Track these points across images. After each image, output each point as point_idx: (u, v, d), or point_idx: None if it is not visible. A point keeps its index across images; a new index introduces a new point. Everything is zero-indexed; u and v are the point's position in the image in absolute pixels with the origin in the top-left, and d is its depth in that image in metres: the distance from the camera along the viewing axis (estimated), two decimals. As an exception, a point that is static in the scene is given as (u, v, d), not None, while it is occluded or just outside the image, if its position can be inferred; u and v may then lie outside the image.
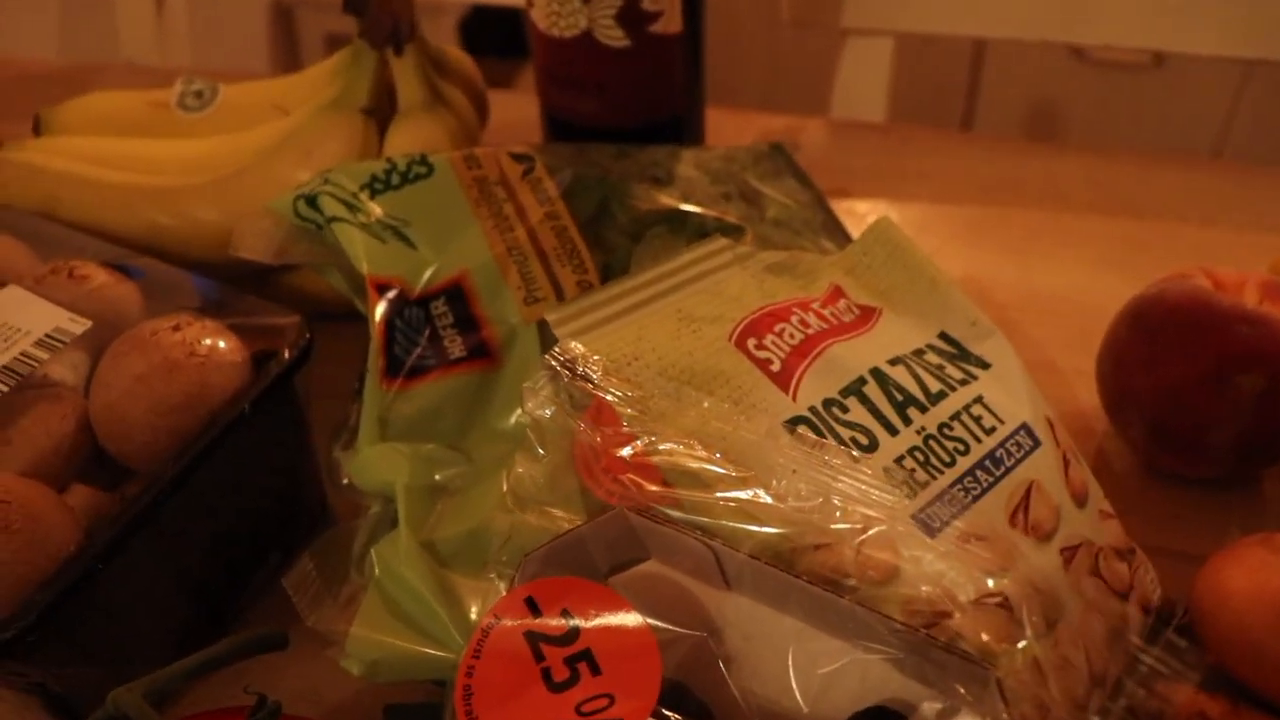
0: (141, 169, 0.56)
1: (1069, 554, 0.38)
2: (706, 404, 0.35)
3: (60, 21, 1.33)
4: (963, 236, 0.61)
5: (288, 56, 1.71)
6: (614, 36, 0.52)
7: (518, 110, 0.65)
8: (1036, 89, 1.64)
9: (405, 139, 0.52)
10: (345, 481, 0.42)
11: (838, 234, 0.51)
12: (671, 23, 0.53)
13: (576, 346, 0.37)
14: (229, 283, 0.47)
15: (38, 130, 0.60)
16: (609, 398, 0.36)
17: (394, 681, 0.37)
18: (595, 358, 0.37)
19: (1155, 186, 0.65)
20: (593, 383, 0.36)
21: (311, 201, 0.47)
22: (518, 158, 0.49)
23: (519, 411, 0.43)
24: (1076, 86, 1.60)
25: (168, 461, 0.40)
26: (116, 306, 0.46)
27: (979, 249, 0.60)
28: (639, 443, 0.35)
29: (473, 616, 0.36)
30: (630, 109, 0.55)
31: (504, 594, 0.34)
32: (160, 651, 0.38)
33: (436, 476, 0.40)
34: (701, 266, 0.42)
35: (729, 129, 0.67)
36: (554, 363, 0.36)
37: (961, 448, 0.39)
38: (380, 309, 0.43)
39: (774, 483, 0.34)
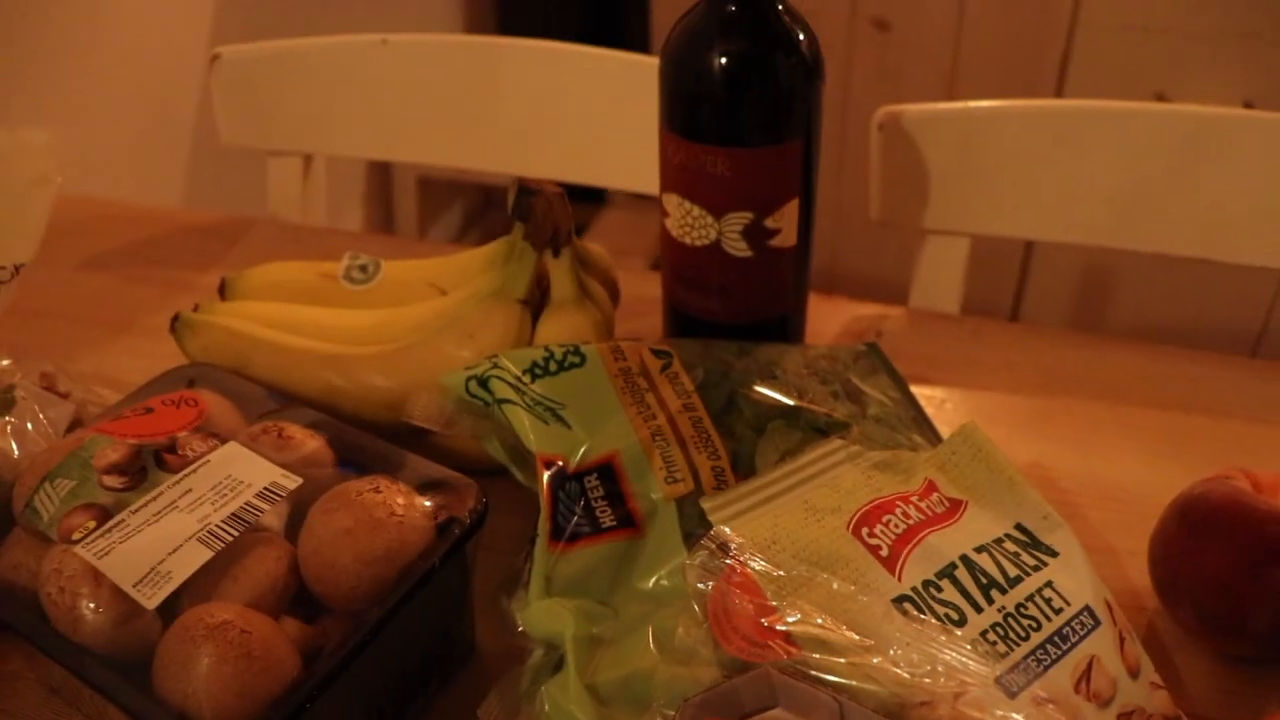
0: (316, 335, 0.67)
1: (1125, 719, 0.47)
2: (835, 585, 0.45)
3: (194, 178, 1.49)
4: (1029, 426, 0.71)
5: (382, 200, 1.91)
6: (739, 248, 0.64)
7: (635, 288, 0.76)
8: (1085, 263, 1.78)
9: (556, 330, 0.63)
10: (520, 629, 0.51)
11: (926, 429, 0.61)
12: (788, 238, 0.64)
13: (727, 530, 0.47)
14: (393, 439, 0.57)
15: (223, 292, 0.72)
16: (753, 571, 0.46)
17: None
18: (740, 540, 0.47)
19: (1203, 384, 0.75)
20: (741, 561, 0.46)
21: (484, 383, 0.57)
22: (657, 353, 0.60)
23: (658, 575, 0.53)
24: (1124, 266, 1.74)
25: (369, 604, 0.50)
26: (315, 463, 0.56)
27: (1044, 438, 0.70)
28: (777, 613, 0.45)
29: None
30: (747, 309, 0.66)
31: None
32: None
33: (594, 630, 0.50)
34: (821, 464, 0.52)
35: (824, 314, 0.78)
36: (711, 544, 0.46)
37: (1034, 625, 0.49)
38: (546, 481, 0.53)
39: (890, 651, 0.44)
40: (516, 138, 0.99)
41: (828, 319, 0.79)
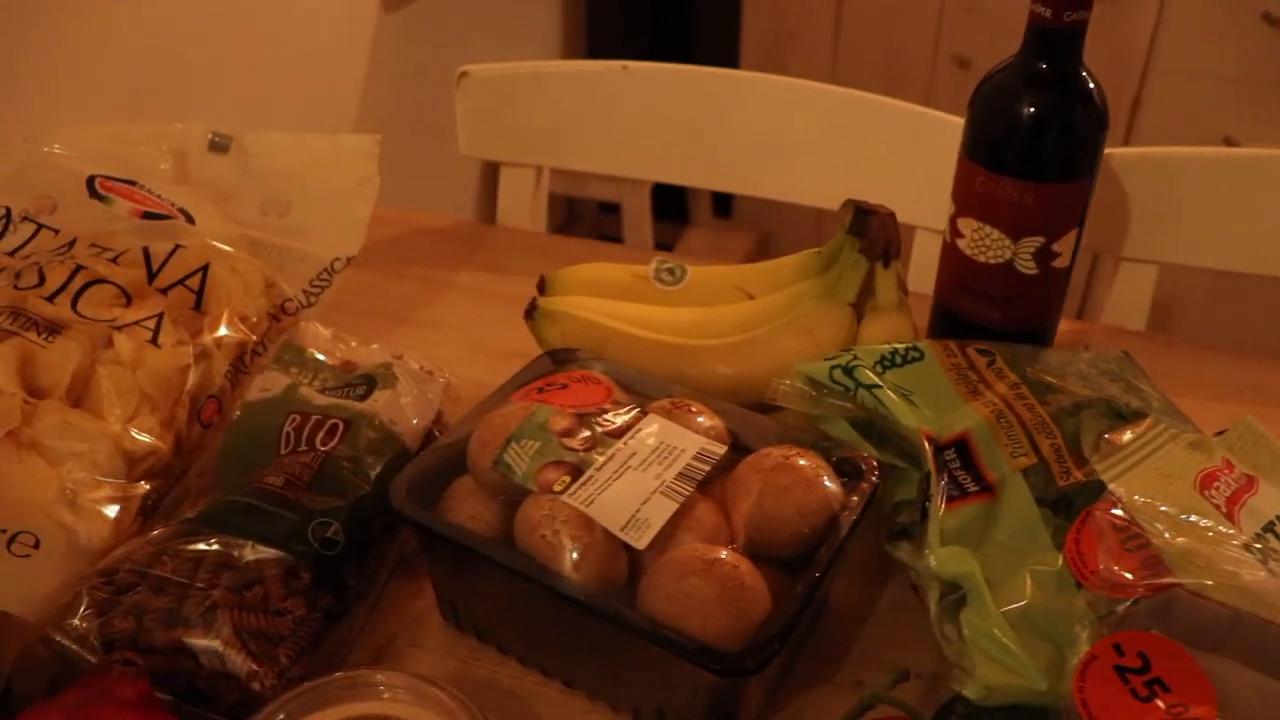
0: (645, 328, 0.79)
1: None
2: (1201, 522, 0.60)
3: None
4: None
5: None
6: (1028, 267, 0.78)
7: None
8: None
9: (883, 330, 0.76)
10: (913, 566, 0.65)
11: (1189, 422, 0.76)
12: (1065, 260, 0.79)
13: (1118, 489, 0.61)
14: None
15: (542, 288, 0.84)
16: (1122, 518, 0.60)
17: (997, 704, 0.59)
18: (1123, 492, 0.61)
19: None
20: (1125, 510, 0.60)
21: (849, 371, 0.71)
22: (981, 352, 0.74)
23: (1015, 531, 0.66)
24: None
25: (799, 551, 0.63)
26: (718, 436, 0.69)
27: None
28: (1148, 549, 0.59)
29: (1041, 655, 0.59)
30: (1024, 318, 0.81)
31: (1087, 645, 0.58)
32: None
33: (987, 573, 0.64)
34: (1154, 443, 0.67)
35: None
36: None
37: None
38: (930, 451, 0.67)
39: (1250, 575, 0.58)
40: (738, 160, 1.13)
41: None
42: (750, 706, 0.63)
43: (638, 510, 0.62)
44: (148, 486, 0.74)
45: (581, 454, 0.65)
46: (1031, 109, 0.75)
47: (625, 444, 0.65)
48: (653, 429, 0.67)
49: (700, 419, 0.69)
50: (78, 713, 0.57)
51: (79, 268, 0.79)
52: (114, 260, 0.81)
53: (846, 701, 0.66)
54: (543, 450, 0.64)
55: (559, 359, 0.75)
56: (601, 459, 0.64)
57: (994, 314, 0.80)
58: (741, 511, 0.64)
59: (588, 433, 0.66)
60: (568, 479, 0.63)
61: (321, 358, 0.78)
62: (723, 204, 2.62)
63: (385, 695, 0.62)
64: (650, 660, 0.61)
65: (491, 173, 2.15)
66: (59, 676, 0.65)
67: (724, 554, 0.60)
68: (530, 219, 1.14)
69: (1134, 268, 1.00)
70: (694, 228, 2.53)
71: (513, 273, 0.99)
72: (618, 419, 0.68)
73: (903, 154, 1.06)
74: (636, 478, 0.63)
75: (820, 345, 0.75)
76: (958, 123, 1.03)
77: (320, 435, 0.71)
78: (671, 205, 2.53)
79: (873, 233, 0.76)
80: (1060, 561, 0.64)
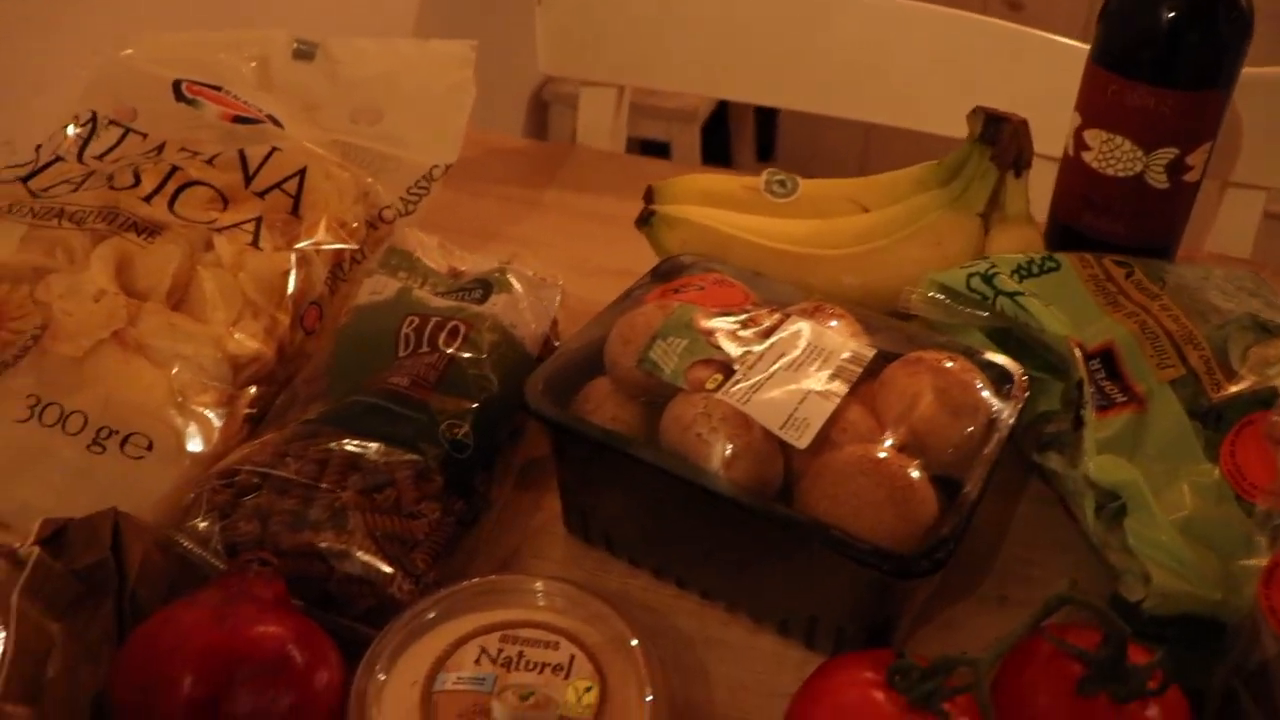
0: (764, 237, 0.77)
1: None
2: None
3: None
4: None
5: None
6: (1159, 180, 0.76)
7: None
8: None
9: (1012, 241, 0.75)
10: (1065, 476, 0.63)
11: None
12: (1196, 174, 0.77)
13: None
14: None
15: (650, 198, 0.82)
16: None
17: (1170, 613, 0.58)
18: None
19: None
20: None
21: (988, 279, 0.69)
22: (1119, 263, 0.72)
23: (1165, 444, 0.65)
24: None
25: (956, 455, 0.61)
26: (859, 338, 0.67)
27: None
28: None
29: (1209, 565, 0.58)
30: (1150, 234, 0.79)
31: (1268, 552, 0.56)
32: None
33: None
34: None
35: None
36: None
37: None
38: (1080, 358, 0.65)
39: None
40: (831, 80, 1.11)
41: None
42: (909, 615, 0.61)
43: (795, 410, 0.60)
44: (254, 392, 0.71)
45: (730, 353, 0.63)
46: (1173, 10, 0.73)
47: (773, 345, 0.63)
48: (799, 330, 0.65)
49: (838, 323, 0.67)
50: (221, 610, 0.55)
51: (174, 169, 0.77)
52: (208, 163, 0.78)
53: (992, 615, 0.65)
54: (690, 348, 0.62)
55: (680, 265, 0.73)
56: (751, 360, 0.62)
57: (1119, 229, 0.79)
58: (896, 414, 0.62)
59: (735, 332, 0.64)
60: (719, 377, 0.61)
61: (429, 264, 0.75)
62: (765, 148, 2.59)
63: (541, 602, 0.60)
64: (808, 566, 0.59)
65: (537, 104, 2.14)
66: (177, 582, 0.62)
67: (891, 455, 0.58)
68: (610, 140, 1.11)
69: (1241, 194, 0.99)
70: (737, 170, 2.53)
71: (599, 192, 0.97)
72: (762, 321, 0.66)
73: (1001, 74, 1.04)
74: (789, 378, 0.62)
75: (948, 256, 0.73)
76: (1061, 42, 1.01)
77: (442, 336, 0.68)
78: (715, 147, 2.48)
79: (1004, 140, 0.74)
80: (1216, 473, 0.63)
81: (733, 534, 0.61)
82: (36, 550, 0.59)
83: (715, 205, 0.81)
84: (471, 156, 1.02)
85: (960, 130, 0.78)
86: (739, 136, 2.56)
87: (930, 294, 0.71)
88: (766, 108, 2.44)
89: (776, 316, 0.66)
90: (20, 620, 0.56)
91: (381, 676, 0.57)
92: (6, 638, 0.56)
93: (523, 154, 1.03)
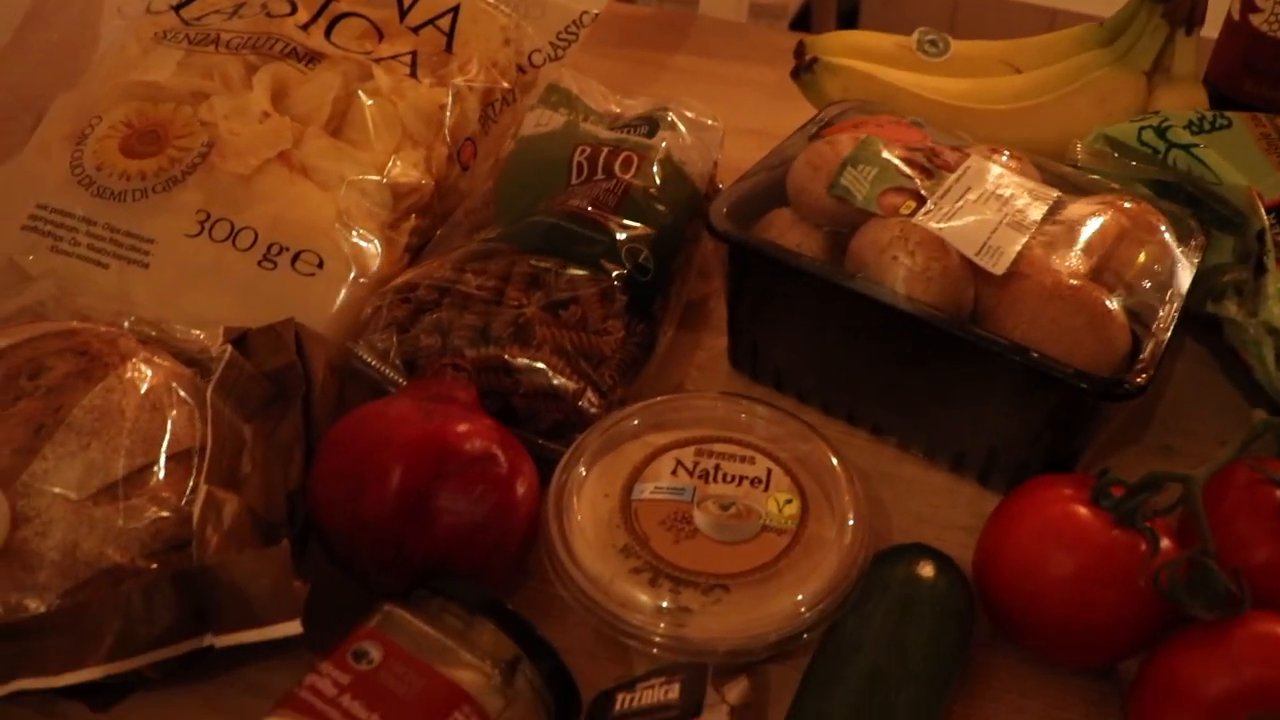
0: (922, 90, 0.77)
1: None
2: None
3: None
4: None
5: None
6: (1331, 46, 0.76)
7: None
8: None
9: (1178, 99, 0.75)
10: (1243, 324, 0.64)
11: None
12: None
13: None
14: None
15: (800, 52, 0.82)
16: None
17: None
18: None
19: None
20: None
21: (1161, 133, 0.69)
22: (1291, 121, 0.72)
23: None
24: None
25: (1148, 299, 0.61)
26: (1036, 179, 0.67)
27: None
28: None
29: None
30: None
31: None
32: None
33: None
34: None
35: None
36: None
37: None
38: (1261, 211, 0.66)
39: None
40: None
41: None
42: (1093, 448, 0.62)
43: (989, 239, 0.60)
44: (414, 221, 0.71)
45: (919, 183, 0.63)
46: None
47: (960, 178, 0.64)
48: (983, 166, 0.65)
49: (1016, 165, 0.67)
50: (429, 405, 0.55)
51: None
52: (363, -6, 0.78)
53: (1157, 463, 0.65)
54: (881, 176, 0.63)
55: (847, 109, 0.73)
56: (940, 190, 0.62)
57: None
58: (1083, 249, 0.62)
59: (923, 165, 0.64)
60: (913, 204, 0.61)
61: (589, 104, 0.75)
62: (847, 16, 2.54)
63: (742, 417, 0.60)
64: (995, 395, 0.60)
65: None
66: (345, 399, 0.63)
67: (1083, 283, 0.59)
68: (734, 9, 1.11)
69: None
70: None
71: (727, 58, 0.96)
72: (945, 156, 0.66)
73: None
74: (979, 209, 0.62)
75: (1112, 113, 0.74)
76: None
77: (617, 164, 0.68)
78: (799, 18, 2.40)
79: (1178, -3, 0.74)
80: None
81: (919, 363, 0.61)
82: (229, 349, 0.60)
83: (865, 59, 0.80)
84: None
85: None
86: (822, 5, 2.46)
87: (1097, 147, 0.71)
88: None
89: (957, 154, 0.66)
90: (216, 415, 0.57)
91: (582, 471, 0.57)
92: (204, 430, 0.56)
93: (645, 19, 1.03)
